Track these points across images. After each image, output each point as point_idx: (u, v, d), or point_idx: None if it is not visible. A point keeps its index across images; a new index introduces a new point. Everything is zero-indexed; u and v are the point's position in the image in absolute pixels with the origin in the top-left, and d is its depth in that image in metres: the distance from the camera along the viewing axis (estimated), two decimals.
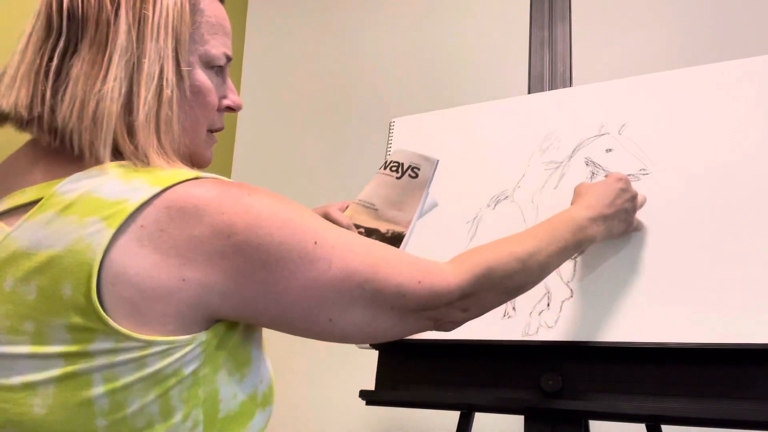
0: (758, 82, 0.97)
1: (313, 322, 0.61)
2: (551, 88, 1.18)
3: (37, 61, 0.61)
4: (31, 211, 0.56)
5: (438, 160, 0.88)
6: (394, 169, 0.87)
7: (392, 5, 1.98)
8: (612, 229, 0.89)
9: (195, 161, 0.72)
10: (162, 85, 0.61)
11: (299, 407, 1.73)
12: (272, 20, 2.17)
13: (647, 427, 0.92)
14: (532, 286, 0.77)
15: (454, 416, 1.08)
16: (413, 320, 0.67)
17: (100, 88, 0.58)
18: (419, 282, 0.64)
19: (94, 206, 0.55)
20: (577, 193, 0.92)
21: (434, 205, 0.87)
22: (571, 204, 0.90)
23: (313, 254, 0.59)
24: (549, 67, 1.20)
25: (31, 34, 0.63)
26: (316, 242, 0.59)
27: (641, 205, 0.95)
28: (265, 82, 2.11)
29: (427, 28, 1.91)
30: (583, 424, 0.95)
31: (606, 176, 0.94)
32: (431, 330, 0.71)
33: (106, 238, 0.53)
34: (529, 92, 1.20)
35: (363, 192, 0.90)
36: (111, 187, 0.56)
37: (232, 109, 0.75)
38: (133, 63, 0.60)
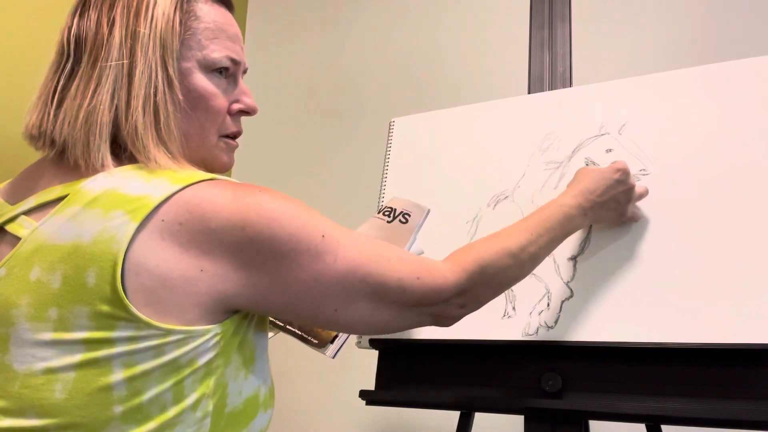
0: (759, 82, 0.97)
1: (320, 311, 0.64)
2: (551, 88, 1.18)
3: (49, 86, 0.67)
4: (58, 206, 0.60)
5: (429, 209, 0.92)
6: (386, 213, 0.91)
7: (392, 5, 1.98)
8: (600, 217, 0.93)
9: (209, 165, 0.74)
10: (152, 93, 0.65)
11: (299, 407, 1.73)
12: (272, 20, 2.17)
13: (647, 427, 0.92)
14: (524, 277, 0.82)
15: (454, 416, 1.08)
16: (413, 315, 0.70)
17: (91, 101, 0.63)
18: (418, 278, 0.68)
19: (119, 201, 0.58)
20: (575, 176, 0.94)
21: (420, 252, 0.90)
22: (568, 186, 0.93)
23: (320, 247, 0.62)
24: (549, 67, 1.20)
25: (50, 64, 0.69)
26: (323, 236, 0.63)
27: (640, 198, 0.96)
28: (264, 81, 2.11)
29: (427, 28, 1.91)
30: (583, 424, 0.95)
31: (611, 164, 0.94)
32: (431, 325, 0.74)
33: (130, 230, 0.56)
34: (529, 92, 1.20)
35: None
36: (134, 184, 0.60)
37: (246, 112, 0.76)
38: (124, 75, 0.64)
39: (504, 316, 0.99)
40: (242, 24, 2.20)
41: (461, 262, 0.73)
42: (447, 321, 0.75)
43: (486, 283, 0.75)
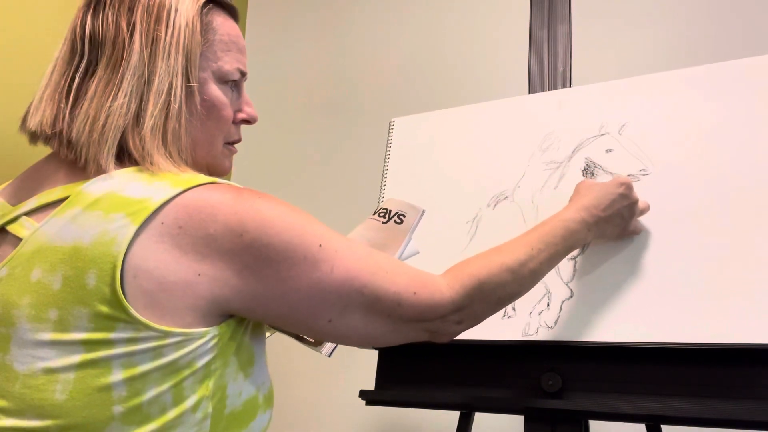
0: (758, 82, 0.97)
1: (314, 321, 0.64)
2: (551, 88, 1.18)
3: (62, 83, 0.66)
4: (59, 208, 0.60)
5: (424, 210, 0.92)
6: (382, 215, 0.91)
7: (392, 5, 1.98)
8: (604, 232, 0.91)
9: (213, 171, 0.75)
10: (170, 100, 0.66)
11: (299, 407, 1.73)
12: (272, 20, 2.17)
13: (647, 427, 0.92)
14: (525, 293, 0.80)
15: (454, 416, 1.08)
16: (408, 329, 0.69)
17: (110, 105, 0.63)
18: (414, 293, 0.67)
19: (119, 203, 0.59)
20: (577, 191, 0.93)
21: (415, 253, 0.90)
22: (570, 200, 0.92)
23: (317, 256, 0.62)
24: (549, 66, 1.20)
25: (57, 59, 0.68)
26: (320, 245, 0.62)
27: (642, 212, 0.95)
28: (264, 82, 2.11)
29: (426, 27, 1.91)
30: (583, 424, 0.95)
31: (613, 178, 0.93)
32: (427, 340, 0.73)
33: (130, 233, 0.57)
34: (529, 92, 1.20)
35: (350, 234, 0.93)
36: (135, 186, 0.60)
37: (248, 121, 0.79)
38: (144, 80, 0.65)
39: (504, 316, 0.99)
40: (242, 24, 2.20)
41: (459, 277, 0.72)
42: (443, 337, 0.73)
43: (484, 299, 0.73)
